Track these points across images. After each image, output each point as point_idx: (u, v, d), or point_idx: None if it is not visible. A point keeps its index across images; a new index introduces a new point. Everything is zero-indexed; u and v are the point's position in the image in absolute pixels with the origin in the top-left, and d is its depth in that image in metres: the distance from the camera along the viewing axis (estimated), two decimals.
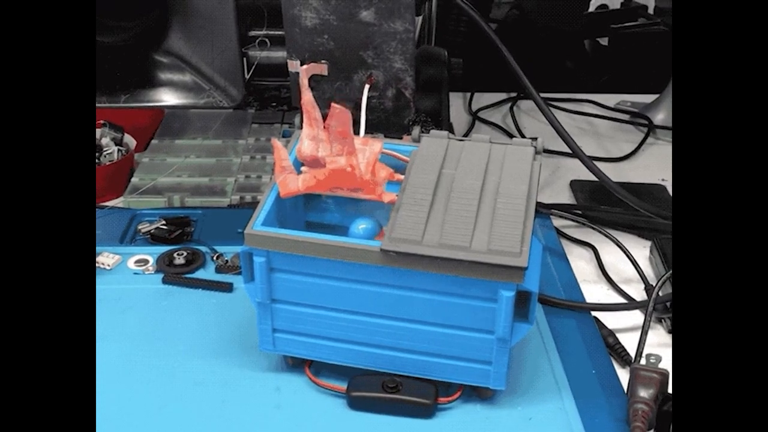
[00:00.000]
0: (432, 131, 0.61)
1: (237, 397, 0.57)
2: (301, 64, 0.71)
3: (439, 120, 0.82)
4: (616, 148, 1.00)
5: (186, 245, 0.73)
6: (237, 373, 0.59)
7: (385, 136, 0.71)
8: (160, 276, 0.69)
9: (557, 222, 0.82)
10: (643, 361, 0.57)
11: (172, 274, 0.69)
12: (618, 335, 0.65)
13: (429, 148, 0.58)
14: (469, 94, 1.12)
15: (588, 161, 0.73)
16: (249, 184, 0.84)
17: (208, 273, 0.70)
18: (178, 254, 0.71)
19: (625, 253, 0.77)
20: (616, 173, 0.91)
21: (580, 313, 0.67)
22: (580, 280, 0.72)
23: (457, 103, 1.09)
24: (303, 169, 0.57)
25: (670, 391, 0.55)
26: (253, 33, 0.85)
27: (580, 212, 0.83)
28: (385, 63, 0.71)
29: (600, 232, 0.80)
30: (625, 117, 1.07)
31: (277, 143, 0.55)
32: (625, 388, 0.57)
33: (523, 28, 1.23)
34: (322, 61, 0.71)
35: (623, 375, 0.60)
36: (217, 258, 0.71)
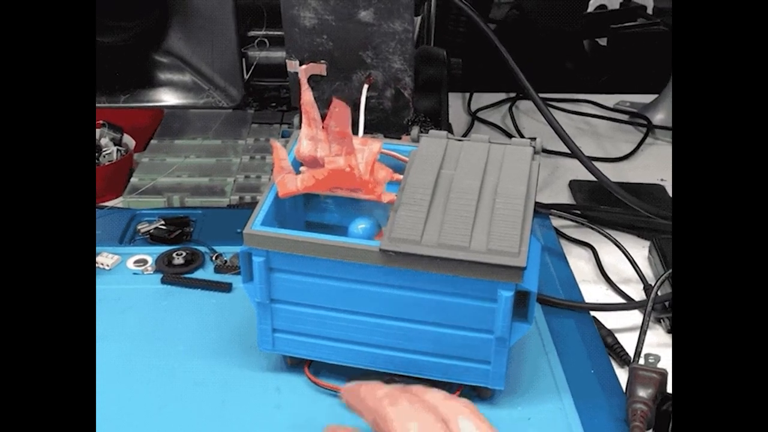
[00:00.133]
0: (431, 131, 0.61)
1: (236, 397, 0.57)
2: (300, 64, 0.71)
3: (438, 120, 0.82)
4: (615, 148, 1.00)
5: (185, 245, 0.73)
6: (236, 373, 0.59)
7: (384, 136, 0.71)
8: (160, 276, 0.69)
9: (556, 222, 0.82)
10: (641, 361, 0.57)
11: (172, 274, 0.69)
12: (617, 335, 0.65)
13: (428, 148, 0.58)
14: (468, 94, 1.12)
15: (587, 161, 0.73)
16: (248, 184, 0.85)
17: (207, 273, 0.70)
18: (177, 254, 0.71)
19: (624, 253, 0.77)
20: (615, 173, 0.92)
21: (579, 313, 0.67)
22: (579, 280, 0.72)
23: (456, 103, 1.09)
24: (302, 169, 0.57)
25: (669, 390, 0.55)
26: (252, 33, 0.85)
27: (579, 212, 0.83)
28: (384, 63, 0.71)
29: (599, 232, 0.80)
30: (624, 117, 1.07)
31: (277, 144, 0.55)
32: (624, 387, 0.57)
33: (523, 28, 1.23)
34: (321, 61, 0.71)
35: (622, 375, 0.60)
36: (217, 258, 0.71)
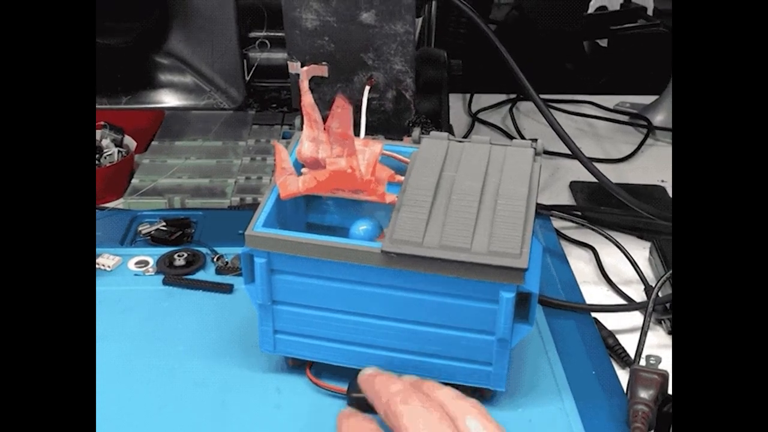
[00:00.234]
0: (432, 132, 0.61)
1: (237, 397, 0.57)
2: (302, 66, 0.71)
3: (439, 121, 0.82)
4: (615, 149, 1.00)
5: (186, 246, 0.73)
6: (237, 374, 0.59)
7: (386, 138, 0.71)
8: (161, 277, 0.69)
9: (557, 223, 0.82)
10: (642, 362, 0.57)
11: (173, 275, 0.69)
12: (618, 336, 0.65)
13: (429, 150, 0.58)
14: (468, 96, 1.12)
15: (588, 162, 0.73)
16: (249, 185, 0.85)
17: (208, 274, 0.70)
18: (178, 255, 0.71)
19: (624, 254, 0.77)
20: (615, 174, 0.92)
21: (580, 314, 0.67)
22: (579, 281, 0.72)
23: (456, 104, 1.09)
24: (303, 170, 0.57)
25: (670, 392, 0.55)
26: (253, 34, 0.85)
27: (579, 213, 0.83)
28: (386, 65, 0.71)
29: (600, 233, 0.80)
30: (625, 118, 1.07)
31: (279, 145, 0.55)
32: (625, 389, 0.57)
33: (523, 29, 1.23)
34: (323, 63, 0.71)
35: (623, 376, 0.60)
36: (218, 259, 0.71)
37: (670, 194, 0.88)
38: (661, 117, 1.04)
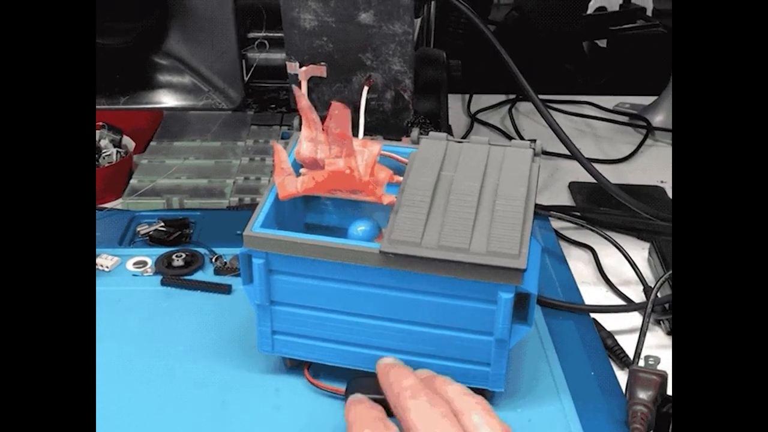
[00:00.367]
0: (431, 133, 0.61)
1: (236, 398, 0.57)
2: (300, 66, 0.71)
3: (437, 122, 0.82)
4: (614, 149, 1.00)
5: (185, 247, 0.73)
6: (236, 375, 0.59)
7: (384, 138, 0.71)
8: (159, 278, 0.69)
9: (556, 224, 0.82)
10: (641, 363, 0.57)
11: (171, 275, 0.69)
12: (617, 337, 0.65)
13: (428, 150, 0.58)
14: (467, 96, 1.12)
15: (587, 163, 0.73)
16: (248, 185, 0.85)
17: (206, 275, 0.70)
18: (176, 256, 0.71)
19: (623, 254, 0.77)
20: (614, 175, 0.92)
21: (579, 315, 0.67)
22: (578, 282, 0.72)
23: (455, 104, 1.09)
24: (302, 171, 0.57)
25: (669, 392, 0.55)
26: (252, 35, 0.85)
27: (578, 214, 0.83)
28: (384, 65, 0.71)
29: (599, 233, 0.80)
30: (624, 119, 1.07)
31: (278, 146, 0.55)
32: (624, 389, 0.57)
33: (522, 29, 1.23)
34: (321, 63, 0.71)
35: (622, 377, 0.60)
36: (216, 260, 0.71)
37: (670, 195, 0.88)
38: (661, 117, 1.04)
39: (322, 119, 0.55)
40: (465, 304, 0.52)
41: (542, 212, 0.82)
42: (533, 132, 1.04)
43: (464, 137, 0.93)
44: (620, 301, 0.72)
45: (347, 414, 0.49)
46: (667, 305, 0.66)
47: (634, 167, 0.96)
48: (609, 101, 1.11)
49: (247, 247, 0.53)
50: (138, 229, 0.76)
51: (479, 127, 1.06)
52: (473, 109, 1.10)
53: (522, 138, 1.00)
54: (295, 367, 0.59)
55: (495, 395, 0.56)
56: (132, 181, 0.85)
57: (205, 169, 0.87)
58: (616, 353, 0.64)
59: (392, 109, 0.74)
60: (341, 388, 0.56)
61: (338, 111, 0.52)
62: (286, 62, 0.72)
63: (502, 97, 1.12)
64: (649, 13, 1.24)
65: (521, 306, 0.52)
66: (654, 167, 0.95)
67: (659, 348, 0.65)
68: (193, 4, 0.80)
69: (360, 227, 0.57)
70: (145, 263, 0.71)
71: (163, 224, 0.76)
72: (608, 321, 0.67)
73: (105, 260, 0.71)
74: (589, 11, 1.23)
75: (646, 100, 1.09)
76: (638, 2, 1.24)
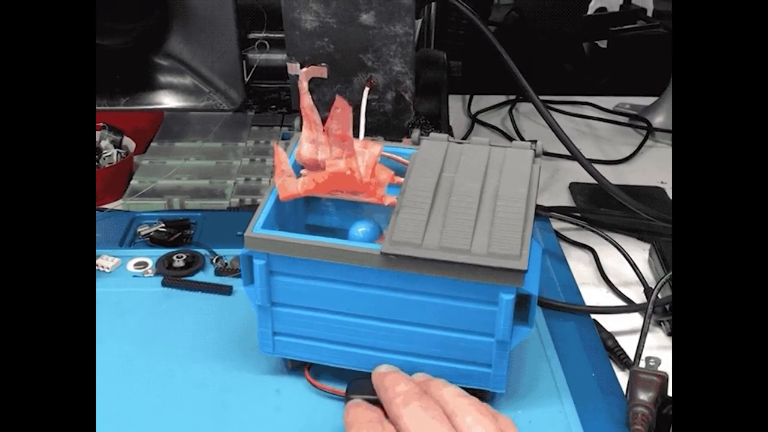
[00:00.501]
0: (431, 134, 0.61)
1: (236, 399, 0.57)
2: (301, 67, 0.71)
3: (438, 122, 0.82)
4: (615, 150, 1.00)
5: (185, 248, 0.73)
6: (236, 376, 0.59)
7: (385, 139, 0.71)
8: (160, 279, 0.69)
9: (556, 225, 0.82)
10: (642, 364, 0.57)
11: (172, 276, 0.69)
12: (617, 338, 0.65)
13: (429, 151, 0.58)
14: (468, 97, 1.12)
15: (587, 164, 0.73)
16: (248, 186, 0.85)
17: (207, 276, 0.70)
18: (177, 257, 0.71)
19: (624, 255, 0.77)
20: (615, 176, 0.92)
21: (580, 316, 0.67)
22: (579, 283, 0.72)
23: (456, 105, 1.09)
24: (303, 172, 0.57)
25: (669, 394, 0.55)
26: (252, 35, 0.85)
27: (579, 215, 0.83)
28: (385, 66, 0.71)
29: (599, 234, 0.80)
30: (624, 120, 1.07)
31: (278, 147, 0.55)
32: (625, 390, 0.57)
33: (522, 30, 1.23)
34: (322, 64, 0.71)
35: (623, 378, 0.60)
36: (217, 261, 0.71)
37: (670, 196, 0.88)
38: (661, 118, 1.04)
39: (323, 120, 0.55)
40: (466, 306, 0.52)
41: (543, 213, 0.82)
42: (534, 133, 1.04)
43: (465, 138, 0.93)
44: (621, 302, 0.72)
45: (346, 416, 0.50)
46: (667, 306, 0.66)
47: (634, 168, 0.96)
48: (609, 102, 1.11)
49: (248, 248, 0.53)
50: (139, 230, 0.76)
51: (480, 128, 1.06)
52: (474, 110, 1.10)
53: (522, 139, 1.01)
54: (295, 368, 0.59)
55: (496, 396, 0.56)
56: (133, 182, 0.85)
57: (205, 170, 0.87)
58: (617, 354, 0.64)
59: (393, 110, 0.74)
60: (342, 389, 0.56)
61: (340, 109, 0.52)
62: (287, 63, 0.72)
63: (502, 98, 1.12)
64: (649, 13, 1.24)
65: (522, 307, 0.52)
66: (654, 168, 0.95)
67: (660, 349, 0.65)
68: (193, 4, 0.80)
69: (361, 228, 0.57)
70: (145, 264, 0.71)
71: (163, 225, 0.76)
72: (609, 322, 0.67)
73: (105, 261, 0.71)
74: (590, 12, 1.23)
75: (647, 100, 1.09)
76: (638, 3, 1.24)
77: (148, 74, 0.84)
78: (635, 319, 0.68)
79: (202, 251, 0.72)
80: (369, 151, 0.56)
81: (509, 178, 0.56)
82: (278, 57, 0.83)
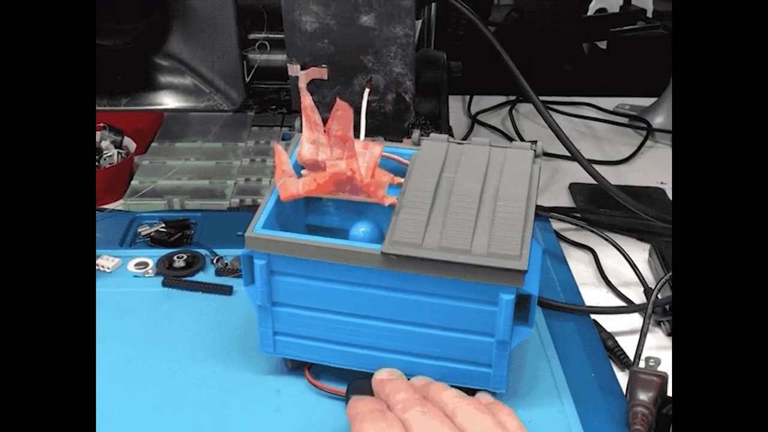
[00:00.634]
0: (432, 134, 0.61)
1: (237, 399, 0.57)
2: (302, 68, 0.71)
3: (438, 123, 0.82)
4: (614, 151, 1.00)
5: (186, 248, 0.73)
6: (237, 376, 0.59)
7: (385, 140, 0.71)
8: (160, 279, 0.69)
9: (556, 225, 0.82)
10: (642, 364, 0.57)
11: (172, 276, 0.69)
12: (617, 338, 0.65)
13: (429, 152, 0.58)
14: (468, 97, 1.12)
15: (587, 164, 0.73)
16: (249, 186, 0.85)
17: (208, 276, 0.70)
18: (177, 257, 0.71)
19: (624, 256, 0.77)
20: (615, 176, 0.92)
21: (580, 316, 0.67)
22: (579, 283, 0.72)
23: (456, 106, 1.10)
24: (303, 172, 0.57)
25: (669, 394, 0.56)
26: (253, 36, 0.85)
27: (579, 215, 0.83)
28: (385, 67, 0.71)
29: (599, 235, 0.80)
30: (624, 120, 1.07)
31: (279, 147, 0.55)
32: (625, 390, 0.57)
33: (522, 31, 1.23)
34: (322, 65, 0.71)
35: (622, 378, 0.60)
36: (217, 261, 0.71)
37: (670, 196, 0.88)
38: (661, 119, 1.04)
39: (324, 121, 0.55)
40: (466, 306, 0.52)
41: (543, 213, 0.82)
42: (533, 133, 1.04)
43: (465, 138, 0.94)
44: (621, 303, 0.72)
45: (349, 410, 0.50)
46: (667, 306, 0.66)
47: (634, 168, 0.96)
48: (609, 102, 1.12)
49: (249, 248, 0.53)
50: (139, 230, 0.76)
51: (480, 129, 1.06)
52: (474, 111, 1.10)
53: (522, 139, 1.01)
54: (296, 368, 0.59)
55: (496, 396, 0.56)
56: (133, 182, 0.85)
57: (206, 170, 0.88)
58: (617, 354, 0.64)
59: (393, 111, 0.74)
60: (342, 389, 0.56)
61: (341, 111, 0.52)
62: (287, 64, 0.72)
63: (502, 99, 1.12)
64: (649, 14, 1.24)
65: (522, 307, 0.52)
66: (654, 168, 0.95)
67: (659, 349, 0.65)
68: (193, 5, 0.80)
69: (361, 228, 0.57)
70: (146, 264, 0.71)
71: (164, 225, 0.76)
72: (609, 322, 0.67)
73: (106, 261, 0.71)
74: (590, 12, 1.23)
75: (646, 101, 1.09)
76: (638, 4, 1.24)
77: (148, 74, 0.84)
78: (635, 320, 0.68)
79: (203, 251, 0.72)
80: (370, 152, 0.56)
81: (509, 178, 0.56)
82: (278, 57, 0.83)
